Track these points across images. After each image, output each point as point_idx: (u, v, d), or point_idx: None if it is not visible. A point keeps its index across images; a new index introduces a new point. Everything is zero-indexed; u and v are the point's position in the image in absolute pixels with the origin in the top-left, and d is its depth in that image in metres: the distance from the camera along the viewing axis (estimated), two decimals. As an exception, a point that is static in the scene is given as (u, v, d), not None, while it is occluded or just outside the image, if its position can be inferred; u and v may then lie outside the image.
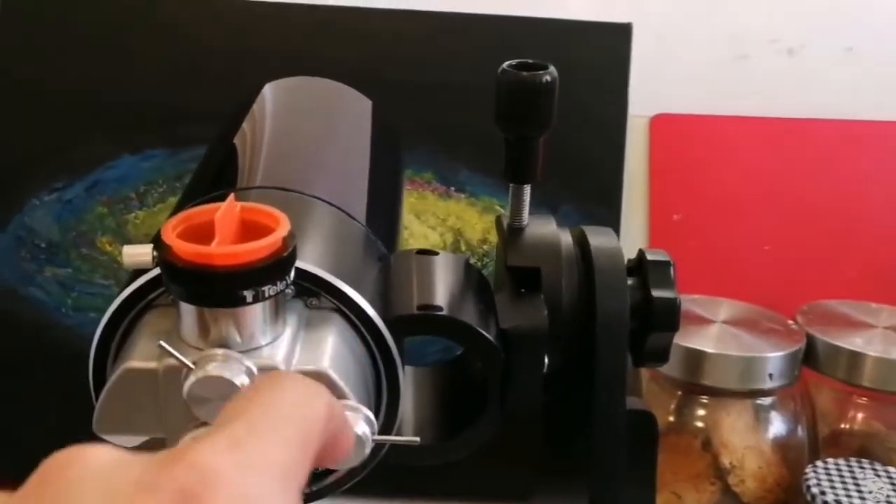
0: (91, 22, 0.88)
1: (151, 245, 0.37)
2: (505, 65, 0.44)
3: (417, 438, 0.41)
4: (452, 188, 0.88)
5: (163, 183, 0.87)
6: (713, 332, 0.79)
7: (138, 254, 0.37)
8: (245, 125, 0.57)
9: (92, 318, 0.85)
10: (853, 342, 0.80)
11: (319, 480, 0.42)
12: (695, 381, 0.77)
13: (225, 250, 0.34)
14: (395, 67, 0.87)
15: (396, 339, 0.41)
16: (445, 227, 0.88)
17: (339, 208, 0.47)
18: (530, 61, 0.44)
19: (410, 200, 0.87)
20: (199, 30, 0.88)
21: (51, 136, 0.87)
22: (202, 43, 0.88)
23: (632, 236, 0.93)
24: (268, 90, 0.62)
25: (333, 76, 0.65)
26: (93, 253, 0.86)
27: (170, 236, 0.35)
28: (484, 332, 0.43)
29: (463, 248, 0.88)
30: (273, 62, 0.87)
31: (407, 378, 0.43)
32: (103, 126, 0.87)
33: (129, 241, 0.85)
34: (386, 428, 0.42)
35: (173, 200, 0.86)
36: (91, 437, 0.37)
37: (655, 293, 0.47)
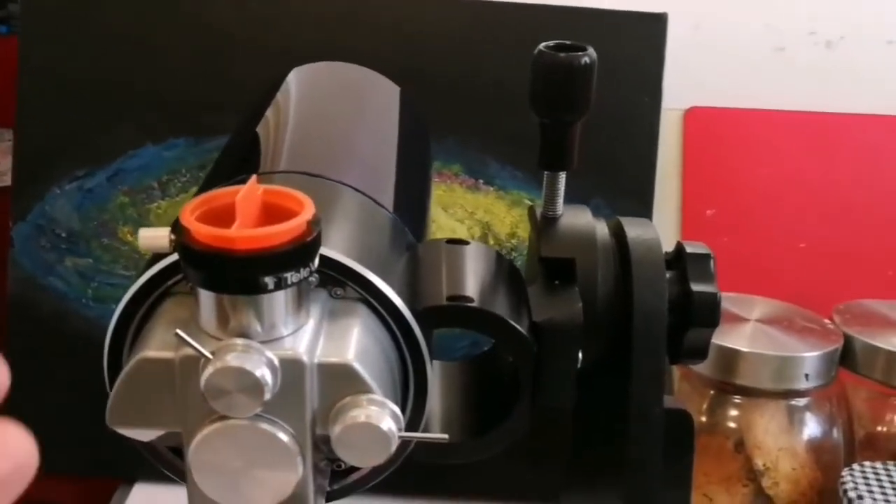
0: (114, 11, 0.87)
1: (169, 228, 0.35)
2: (542, 46, 0.42)
3: (446, 436, 0.39)
4: (481, 181, 0.86)
5: (185, 172, 0.86)
6: (747, 330, 0.78)
7: (155, 237, 0.35)
8: (269, 110, 0.55)
9: (113, 308, 0.83)
10: (891, 342, 0.78)
11: (341, 479, 0.40)
12: (728, 381, 0.76)
13: (246, 233, 0.32)
14: (422, 57, 0.86)
15: (425, 331, 0.39)
16: (473, 220, 0.86)
17: (365, 195, 0.45)
18: (568, 42, 0.42)
19: (438, 193, 0.85)
20: (223, 19, 0.86)
21: (72, 125, 0.86)
22: (225, 32, 0.86)
23: (663, 231, 0.90)
24: (293, 75, 0.60)
25: (361, 66, 0.63)
26: (114, 243, 0.85)
27: (188, 219, 0.33)
28: (516, 325, 0.41)
29: (491, 241, 0.86)
30: (298, 52, 0.85)
31: (434, 372, 0.41)
32: (125, 115, 0.86)
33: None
34: (412, 424, 0.40)
35: (196, 190, 0.85)
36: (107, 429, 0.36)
37: (695, 287, 0.45)
